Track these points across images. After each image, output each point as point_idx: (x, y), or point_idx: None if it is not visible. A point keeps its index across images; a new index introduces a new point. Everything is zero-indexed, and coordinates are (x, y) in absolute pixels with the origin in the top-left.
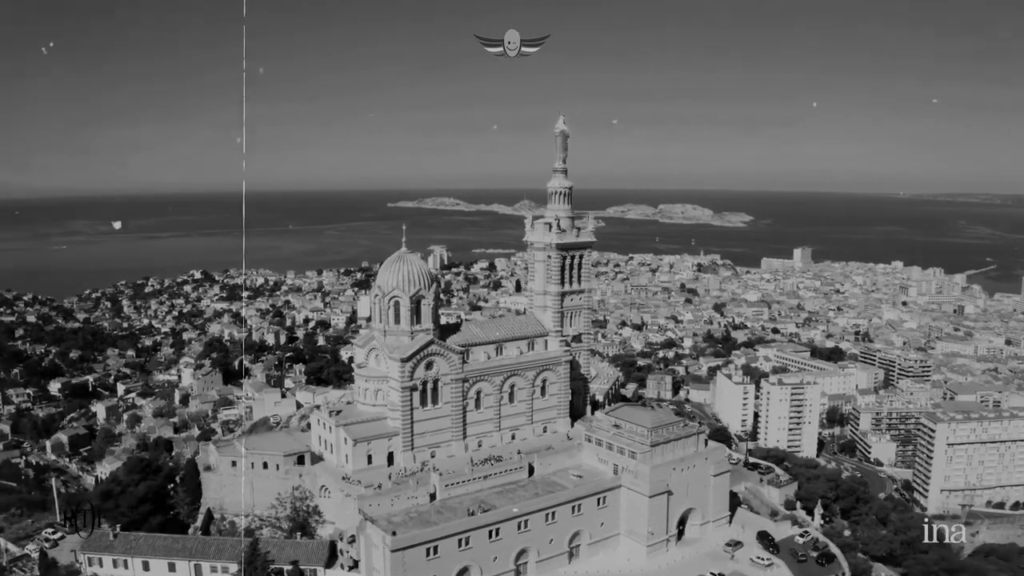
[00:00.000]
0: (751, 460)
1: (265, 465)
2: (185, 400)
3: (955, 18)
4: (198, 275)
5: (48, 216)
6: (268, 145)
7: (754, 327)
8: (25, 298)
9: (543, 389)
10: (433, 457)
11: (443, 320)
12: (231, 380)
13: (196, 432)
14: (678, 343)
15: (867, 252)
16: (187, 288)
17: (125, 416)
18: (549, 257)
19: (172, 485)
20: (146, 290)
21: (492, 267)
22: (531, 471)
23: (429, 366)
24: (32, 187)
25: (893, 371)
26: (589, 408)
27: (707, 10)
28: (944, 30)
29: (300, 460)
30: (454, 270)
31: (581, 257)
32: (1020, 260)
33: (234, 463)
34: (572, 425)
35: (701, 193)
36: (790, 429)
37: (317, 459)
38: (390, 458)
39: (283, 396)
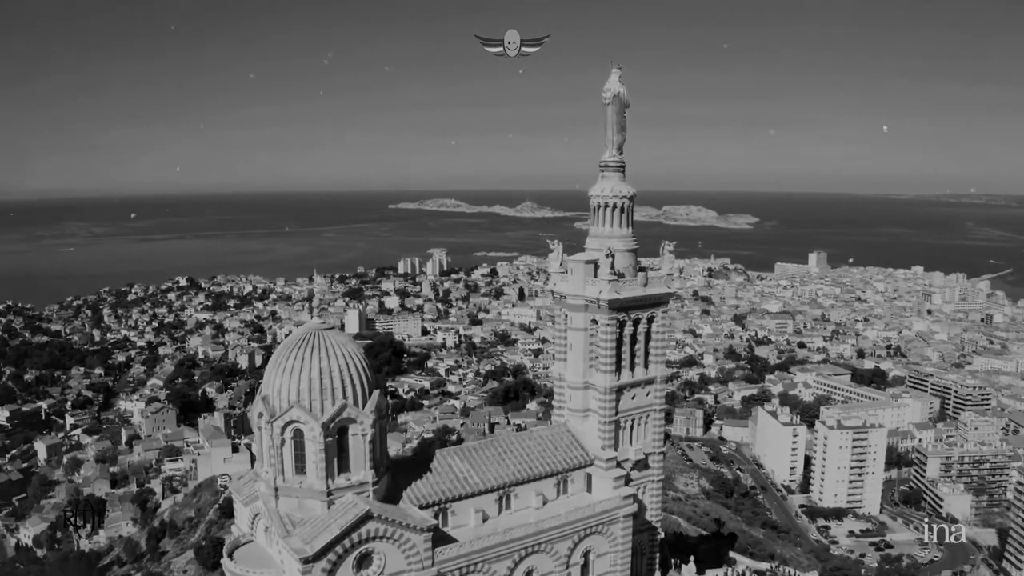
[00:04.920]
0: None
1: None
2: (132, 443)
3: (955, 18)
4: (183, 282)
5: (42, 218)
6: (268, 145)
7: (779, 341)
8: (0, 307)
9: (585, 568)
10: None
11: (440, 332)
12: (190, 416)
13: (134, 489)
14: (699, 360)
15: (880, 255)
16: (171, 296)
17: (66, 459)
18: (594, 323)
19: None
20: (129, 298)
21: (494, 273)
22: None
23: (364, 562)
24: (25, 188)
25: (948, 399)
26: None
27: (708, 9)
28: (944, 29)
29: None
30: (453, 276)
31: (651, 322)
32: None
33: None
34: None
35: (703, 194)
36: (850, 481)
37: None
38: None
39: (235, 450)
